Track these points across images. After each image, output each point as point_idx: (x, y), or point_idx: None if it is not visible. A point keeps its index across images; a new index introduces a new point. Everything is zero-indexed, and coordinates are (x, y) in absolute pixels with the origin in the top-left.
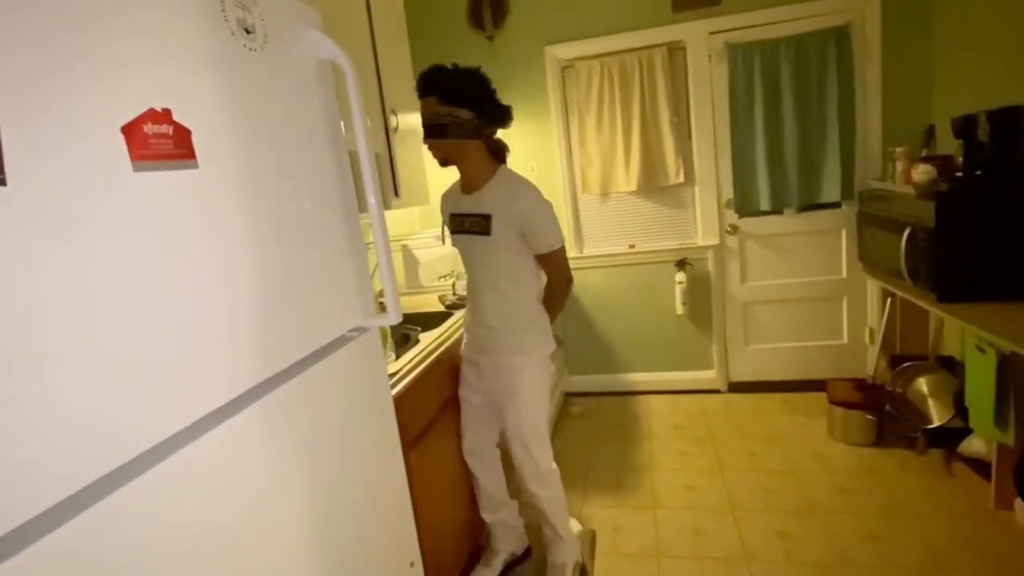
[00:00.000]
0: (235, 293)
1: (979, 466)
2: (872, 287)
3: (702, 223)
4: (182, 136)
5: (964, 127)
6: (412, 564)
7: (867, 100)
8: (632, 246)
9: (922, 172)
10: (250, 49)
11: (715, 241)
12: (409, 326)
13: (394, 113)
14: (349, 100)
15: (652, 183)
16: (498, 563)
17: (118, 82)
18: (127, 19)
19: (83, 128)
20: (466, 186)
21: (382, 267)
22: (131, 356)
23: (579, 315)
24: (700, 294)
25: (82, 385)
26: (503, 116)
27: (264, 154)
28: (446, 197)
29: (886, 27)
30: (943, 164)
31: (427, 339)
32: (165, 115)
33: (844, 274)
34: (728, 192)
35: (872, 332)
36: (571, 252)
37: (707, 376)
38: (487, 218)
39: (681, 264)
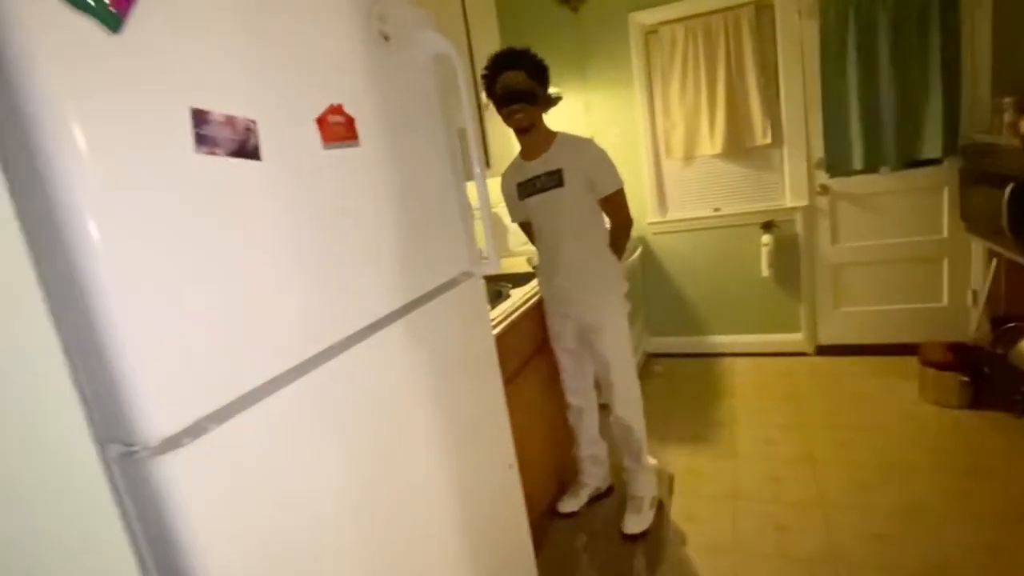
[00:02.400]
0: (386, 232)
1: None
2: (976, 247)
3: (790, 184)
4: (350, 124)
5: None
6: (510, 466)
7: (975, 46)
8: (717, 209)
9: None
10: (387, 53)
11: (804, 202)
12: (501, 283)
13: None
14: (458, 85)
15: (738, 145)
16: (584, 495)
17: (316, 85)
18: (317, 32)
19: (297, 118)
20: (532, 153)
21: (485, 223)
22: (328, 273)
23: (662, 278)
24: (787, 256)
25: (302, 294)
26: (555, 100)
27: (399, 133)
28: (507, 177)
29: None
30: None
31: (517, 295)
32: (339, 108)
33: (945, 234)
34: (818, 152)
35: (975, 294)
36: (654, 217)
37: (793, 339)
38: (559, 172)
39: (767, 226)
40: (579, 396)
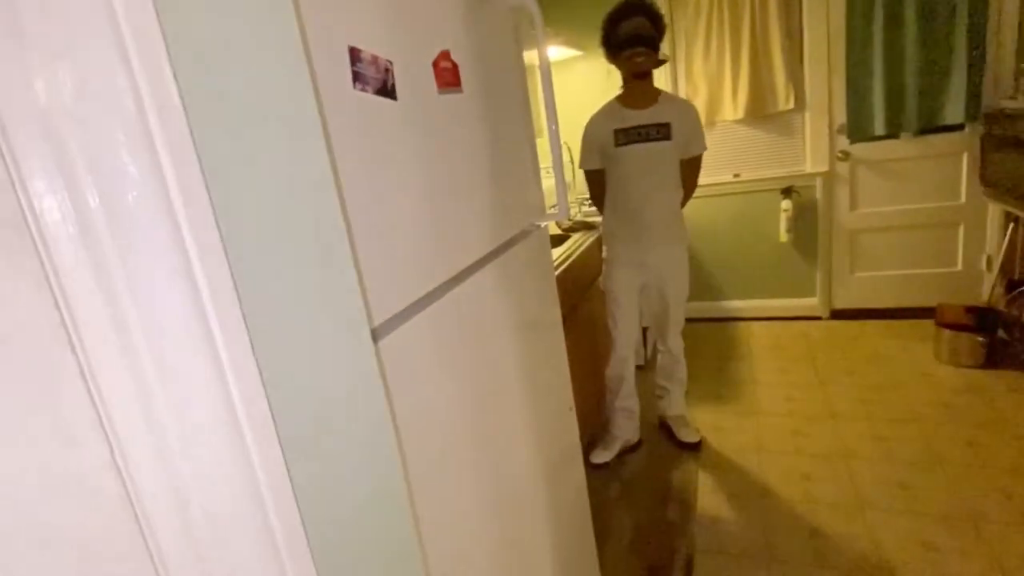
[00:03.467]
0: (483, 176)
1: None
2: (993, 212)
3: (811, 150)
4: (456, 71)
5: None
6: (571, 408)
7: (1003, 7)
8: (737, 175)
9: None
10: (478, 7)
11: (824, 168)
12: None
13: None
14: (536, 38)
15: (760, 110)
16: (616, 447)
17: (431, 32)
18: None
19: (420, 62)
20: (640, 102)
21: (557, 176)
22: (448, 208)
23: None
24: (806, 222)
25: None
26: (664, 60)
27: (490, 82)
28: (599, 122)
29: None
30: None
31: (554, 254)
32: (447, 55)
33: (963, 199)
34: (840, 117)
35: (990, 259)
36: None
37: (809, 303)
38: (668, 125)
39: (787, 192)
40: (629, 347)
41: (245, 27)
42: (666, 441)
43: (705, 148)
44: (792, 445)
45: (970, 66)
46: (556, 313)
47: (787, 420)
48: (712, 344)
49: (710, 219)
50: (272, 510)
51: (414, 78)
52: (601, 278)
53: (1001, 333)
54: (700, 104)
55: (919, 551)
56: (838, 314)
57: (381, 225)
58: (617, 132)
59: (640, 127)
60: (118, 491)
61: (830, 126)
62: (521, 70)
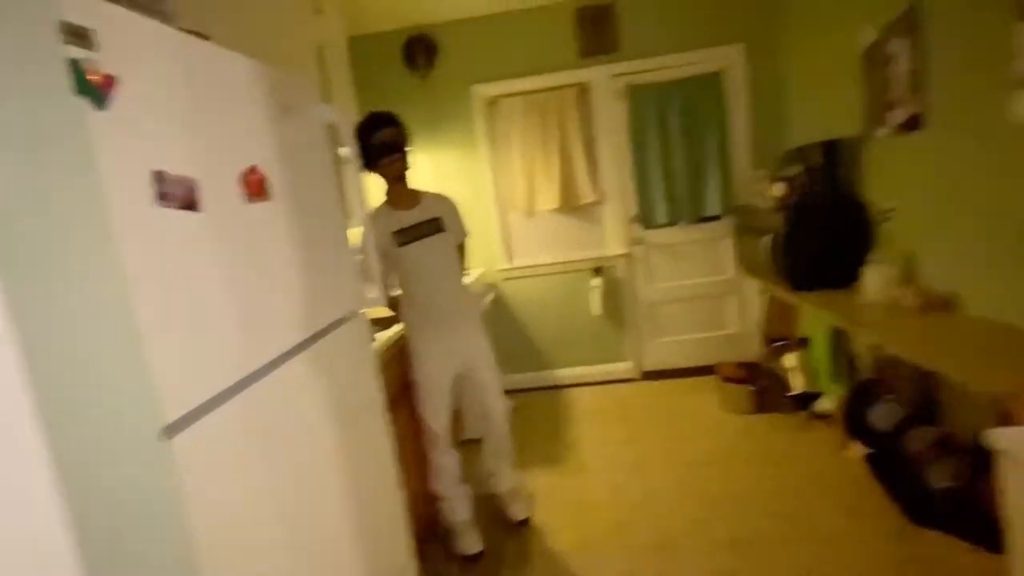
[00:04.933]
0: (294, 273)
1: (829, 420)
2: (752, 285)
3: (613, 235)
4: (262, 183)
5: (801, 154)
6: (397, 487)
7: (738, 132)
8: (555, 257)
9: (778, 189)
10: (287, 123)
11: (625, 250)
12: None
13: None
14: (339, 147)
15: (571, 202)
16: (473, 533)
17: (239, 149)
18: (235, 106)
19: (225, 177)
20: (406, 203)
21: (371, 263)
22: (254, 306)
23: (510, 319)
24: (614, 296)
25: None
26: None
27: (300, 189)
28: (376, 226)
29: (749, 76)
30: (792, 183)
31: (382, 337)
32: (255, 169)
33: (730, 274)
34: (634, 209)
35: (756, 322)
36: (502, 263)
37: (624, 367)
38: (438, 219)
39: (597, 271)
40: (448, 438)
41: (43, 176)
42: (499, 517)
43: (467, 234)
44: (611, 495)
45: (722, 171)
46: (376, 395)
47: (606, 473)
48: (542, 411)
49: (535, 296)
50: None
51: (221, 192)
52: (412, 372)
53: (766, 383)
54: (521, 195)
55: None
56: (648, 375)
57: (178, 324)
58: (396, 234)
59: (414, 226)
60: None
61: (626, 216)
62: (329, 170)
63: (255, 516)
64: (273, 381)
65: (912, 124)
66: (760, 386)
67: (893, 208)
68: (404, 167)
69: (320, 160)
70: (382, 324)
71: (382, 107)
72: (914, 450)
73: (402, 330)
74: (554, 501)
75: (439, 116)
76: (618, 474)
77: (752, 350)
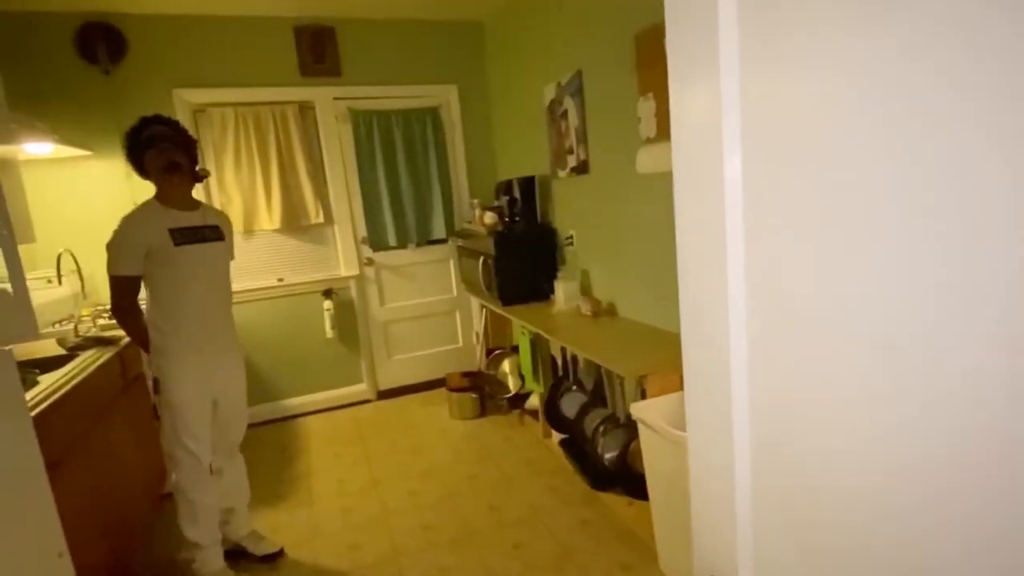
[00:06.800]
0: None
1: (537, 415)
2: (473, 301)
3: (343, 257)
4: None
5: (507, 188)
6: (60, 555)
7: (457, 163)
8: (280, 279)
9: (489, 217)
10: None
11: (355, 272)
12: (27, 369)
13: None
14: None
15: (294, 222)
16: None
17: None
18: None
19: None
20: (184, 204)
21: (17, 289)
22: None
23: None
24: (347, 318)
25: None
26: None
27: None
28: (148, 222)
29: (463, 114)
30: (501, 212)
31: (49, 380)
32: None
33: (455, 293)
34: (363, 230)
35: (477, 335)
36: None
37: (359, 389)
38: (218, 228)
39: (328, 293)
40: (206, 471)
41: None
42: (244, 562)
43: (233, 258)
44: (342, 522)
45: (444, 198)
46: (31, 447)
47: (338, 501)
48: (270, 446)
49: (259, 322)
50: None
51: None
52: (158, 398)
53: (487, 389)
54: (237, 214)
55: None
56: (384, 394)
57: None
58: (173, 232)
59: (196, 228)
60: None
61: (355, 237)
62: None
63: None
64: None
65: (582, 168)
66: (482, 392)
67: (572, 235)
68: (175, 159)
69: None
70: (45, 366)
71: (54, 103)
72: (590, 429)
73: (88, 361)
74: (284, 539)
75: (130, 120)
76: (349, 498)
77: (476, 360)
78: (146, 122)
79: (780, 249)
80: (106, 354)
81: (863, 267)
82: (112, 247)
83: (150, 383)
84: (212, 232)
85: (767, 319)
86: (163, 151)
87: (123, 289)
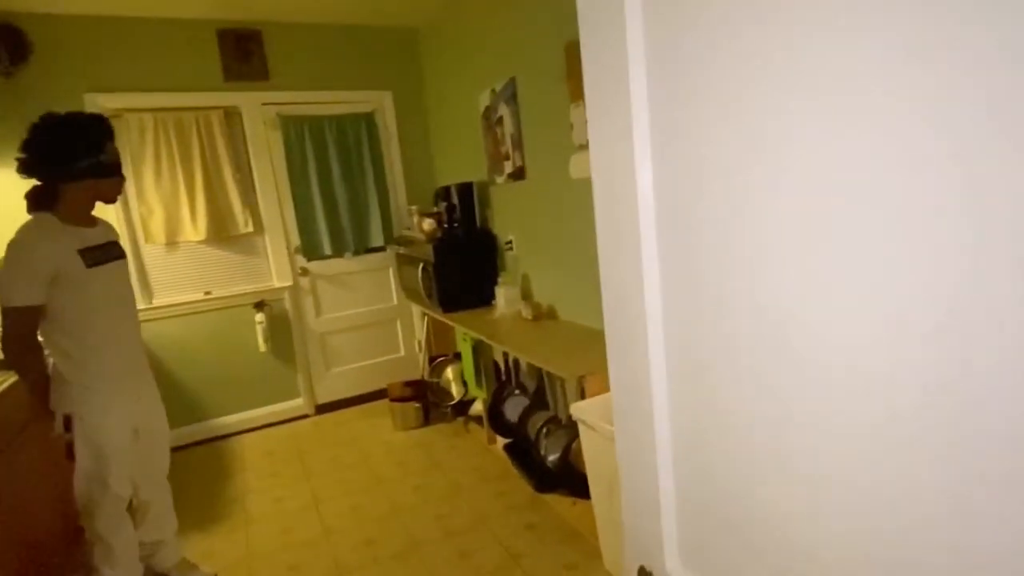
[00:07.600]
0: None
1: (481, 421)
2: (415, 309)
3: (275, 267)
4: None
5: (445, 194)
6: None
7: (393, 170)
8: (208, 293)
9: (428, 223)
10: None
11: (289, 282)
12: None
13: None
14: None
15: (222, 232)
16: None
17: None
18: None
19: None
20: (85, 220)
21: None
22: None
23: (157, 369)
24: (281, 331)
25: None
26: None
27: None
28: (53, 241)
29: (399, 119)
30: (439, 218)
31: None
32: None
33: (395, 302)
34: (296, 240)
35: (420, 343)
36: (140, 304)
37: (296, 404)
38: (118, 244)
39: (260, 305)
40: (124, 510)
41: None
42: None
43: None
44: (280, 543)
45: (381, 206)
46: None
47: (276, 521)
48: (200, 468)
49: (186, 338)
50: None
51: None
52: (71, 435)
53: (431, 397)
54: (159, 224)
55: None
56: (322, 408)
57: None
58: (83, 253)
59: (102, 246)
60: None
61: (288, 247)
62: None
63: None
64: None
65: (519, 174)
66: (426, 401)
67: (511, 240)
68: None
69: None
70: None
71: None
72: (534, 432)
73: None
74: (218, 565)
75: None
76: (288, 517)
77: (418, 369)
78: (107, 132)
79: (694, 250)
80: (7, 380)
81: (770, 267)
82: (5, 275)
83: (58, 421)
84: (116, 249)
85: (682, 318)
86: (122, 181)
87: (23, 321)
